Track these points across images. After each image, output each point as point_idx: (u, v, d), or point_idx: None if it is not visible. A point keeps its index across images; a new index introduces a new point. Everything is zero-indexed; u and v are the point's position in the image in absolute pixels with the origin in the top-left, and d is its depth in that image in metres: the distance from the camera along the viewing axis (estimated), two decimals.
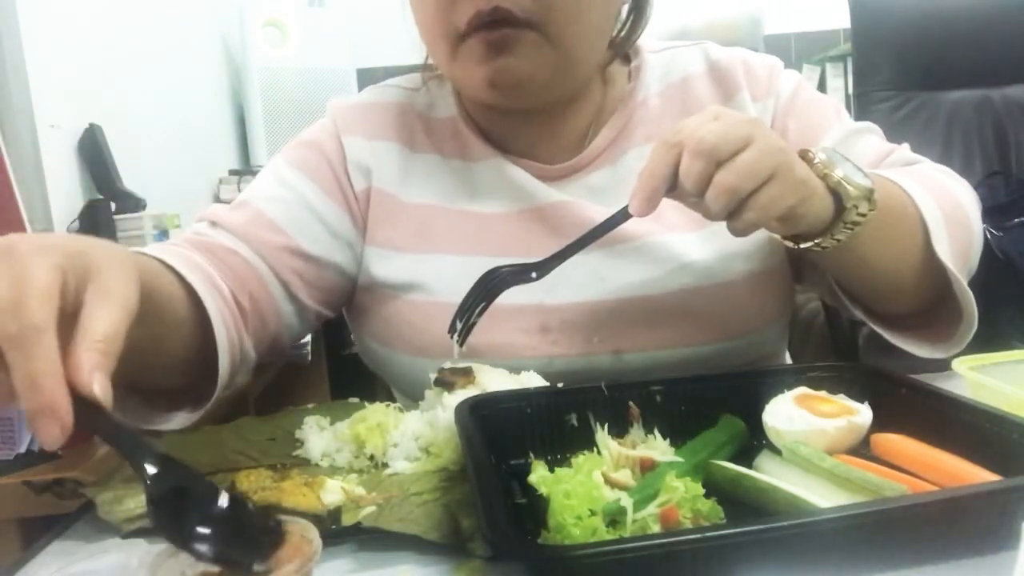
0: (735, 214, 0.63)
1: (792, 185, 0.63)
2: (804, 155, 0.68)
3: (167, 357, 0.69)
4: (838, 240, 0.68)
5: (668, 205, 0.82)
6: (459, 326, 0.71)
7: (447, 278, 0.85)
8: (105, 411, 0.44)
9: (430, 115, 0.93)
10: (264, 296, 0.82)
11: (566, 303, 0.83)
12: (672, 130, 0.64)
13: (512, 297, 0.78)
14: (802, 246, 0.70)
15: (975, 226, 0.81)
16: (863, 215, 0.67)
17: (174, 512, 0.43)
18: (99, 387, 0.43)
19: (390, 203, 0.89)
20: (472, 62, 0.79)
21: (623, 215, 0.68)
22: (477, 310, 0.71)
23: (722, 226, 0.82)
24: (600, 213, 0.79)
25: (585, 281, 0.83)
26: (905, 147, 0.89)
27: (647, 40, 0.94)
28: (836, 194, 0.66)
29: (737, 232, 0.64)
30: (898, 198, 0.75)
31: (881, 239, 0.72)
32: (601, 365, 0.82)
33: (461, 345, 0.71)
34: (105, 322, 0.45)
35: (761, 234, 0.83)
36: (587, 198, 0.86)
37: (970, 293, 0.73)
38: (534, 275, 0.72)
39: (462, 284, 0.80)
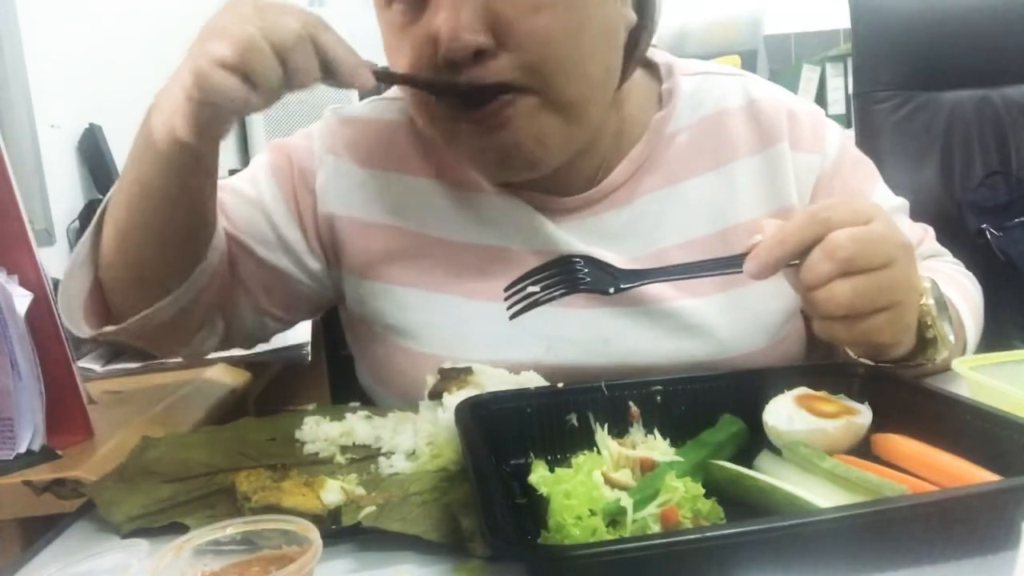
0: (829, 320, 0.59)
1: (897, 328, 0.60)
2: None
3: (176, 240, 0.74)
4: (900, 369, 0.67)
5: (686, 261, 0.77)
6: (516, 289, 0.67)
7: (440, 327, 0.81)
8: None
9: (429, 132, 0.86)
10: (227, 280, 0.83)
11: (565, 364, 0.78)
12: (824, 204, 0.61)
13: (509, 353, 0.76)
14: (859, 358, 0.67)
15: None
16: (932, 360, 0.67)
17: None
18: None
19: (376, 232, 0.84)
20: (475, 140, 0.73)
21: (734, 266, 0.63)
22: (537, 297, 0.66)
23: (746, 292, 0.79)
24: (615, 263, 0.71)
25: (587, 343, 0.78)
26: (931, 233, 0.89)
27: (682, 61, 0.87)
28: (923, 340, 0.65)
29: (819, 334, 0.61)
30: (959, 336, 0.75)
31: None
32: None
33: (512, 316, 0.67)
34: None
35: (787, 303, 0.81)
36: (600, 243, 0.80)
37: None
38: (611, 291, 0.67)
39: (454, 335, 0.79)
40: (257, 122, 2.92)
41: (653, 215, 0.82)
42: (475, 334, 0.80)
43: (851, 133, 1.70)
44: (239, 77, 0.58)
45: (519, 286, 0.67)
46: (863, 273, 0.58)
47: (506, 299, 0.67)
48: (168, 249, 0.75)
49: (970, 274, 0.88)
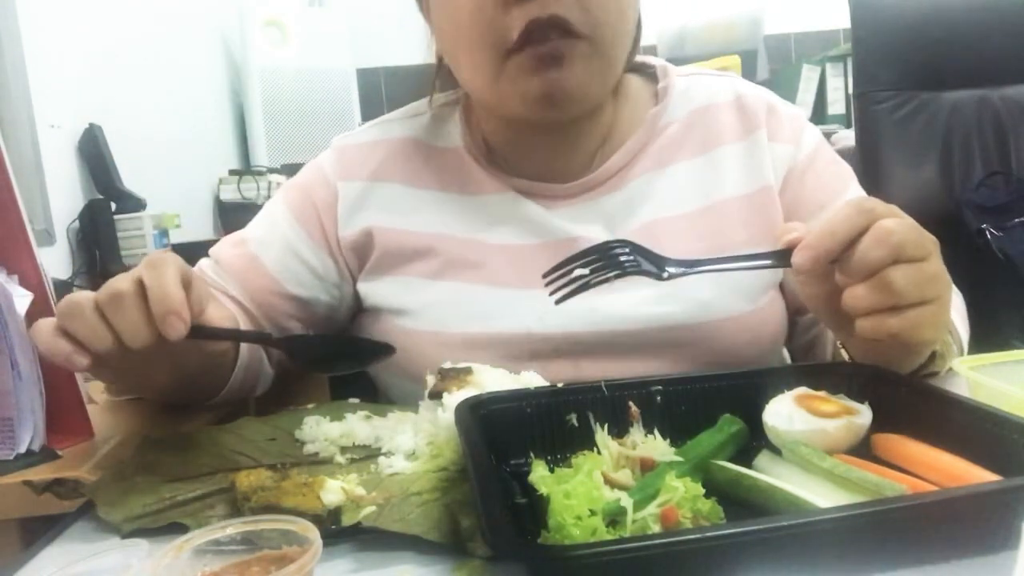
0: (877, 314, 0.59)
1: (939, 323, 0.61)
2: None
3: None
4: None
5: (673, 232, 0.82)
6: (560, 273, 0.68)
7: (436, 305, 0.86)
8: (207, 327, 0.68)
9: (434, 144, 0.93)
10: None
11: (556, 332, 0.83)
12: (863, 198, 0.62)
13: (502, 325, 0.82)
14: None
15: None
16: (937, 374, 0.68)
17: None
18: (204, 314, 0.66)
19: (390, 235, 0.90)
20: (523, 76, 0.78)
21: (777, 260, 0.63)
22: (588, 279, 0.67)
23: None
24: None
25: (576, 311, 0.80)
26: None
27: (677, 66, 0.95)
28: (932, 353, 0.67)
29: (863, 332, 0.61)
30: (957, 344, 0.78)
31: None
32: None
33: (558, 301, 0.68)
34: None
35: (764, 274, 0.84)
36: (596, 223, 0.86)
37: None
38: (665, 276, 0.68)
39: (448, 312, 0.85)
40: (257, 122, 2.92)
41: (644, 194, 0.88)
42: (469, 310, 0.85)
43: (851, 133, 1.70)
44: (67, 340, 0.62)
45: (564, 269, 0.69)
46: (911, 262, 0.59)
47: (547, 284, 0.69)
48: (196, 386, 0.84)
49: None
